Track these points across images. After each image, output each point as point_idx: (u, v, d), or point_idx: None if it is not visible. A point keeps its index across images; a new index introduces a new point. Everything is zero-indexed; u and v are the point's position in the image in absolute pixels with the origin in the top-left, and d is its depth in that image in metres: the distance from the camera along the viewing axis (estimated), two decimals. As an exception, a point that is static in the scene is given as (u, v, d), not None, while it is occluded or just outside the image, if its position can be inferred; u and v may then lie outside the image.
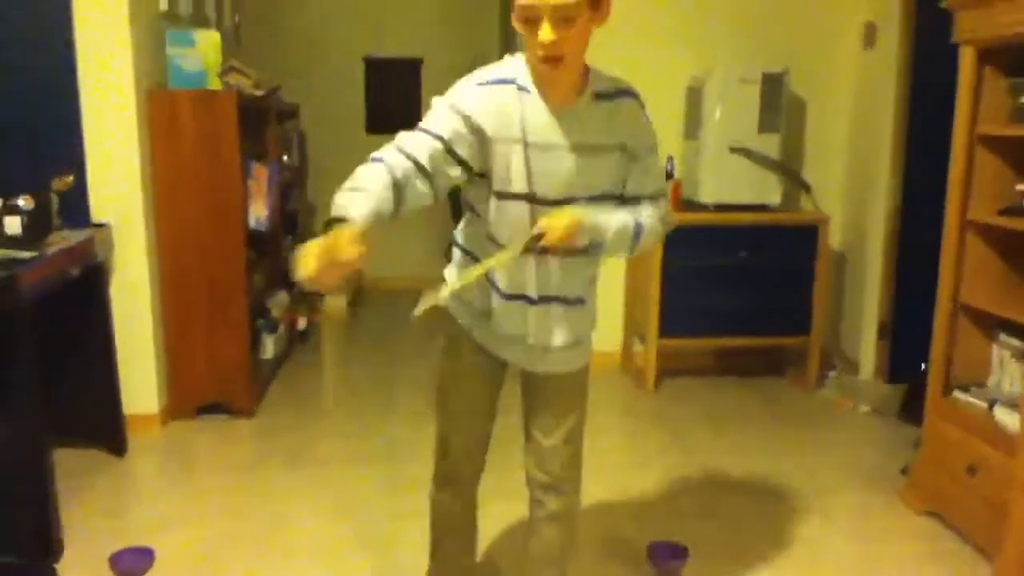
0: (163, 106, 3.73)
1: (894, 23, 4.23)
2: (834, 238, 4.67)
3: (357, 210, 1.60)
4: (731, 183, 4.34)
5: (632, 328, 4.76)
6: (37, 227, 2.96)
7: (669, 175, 4.44)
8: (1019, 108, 2.81)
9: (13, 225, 2.90)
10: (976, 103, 2.92)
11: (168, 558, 2.71)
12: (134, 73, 3.56)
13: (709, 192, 4.35)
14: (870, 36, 4.48)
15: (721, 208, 4.35)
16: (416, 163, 1.74)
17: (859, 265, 4.63)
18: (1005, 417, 2.79)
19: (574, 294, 1.99)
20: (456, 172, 1.80)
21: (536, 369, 2.06)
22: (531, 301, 1.94)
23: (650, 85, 4.86)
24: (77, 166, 3.55)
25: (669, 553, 2.57)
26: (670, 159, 4.47)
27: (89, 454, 3.54)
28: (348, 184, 1.68)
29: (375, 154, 1.75)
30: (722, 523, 3.05)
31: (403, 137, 1.80)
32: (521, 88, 1.79)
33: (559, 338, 2.00)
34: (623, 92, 1.90)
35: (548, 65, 1.72)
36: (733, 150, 4.29)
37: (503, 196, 1.84)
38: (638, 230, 1.94)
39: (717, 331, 4.43)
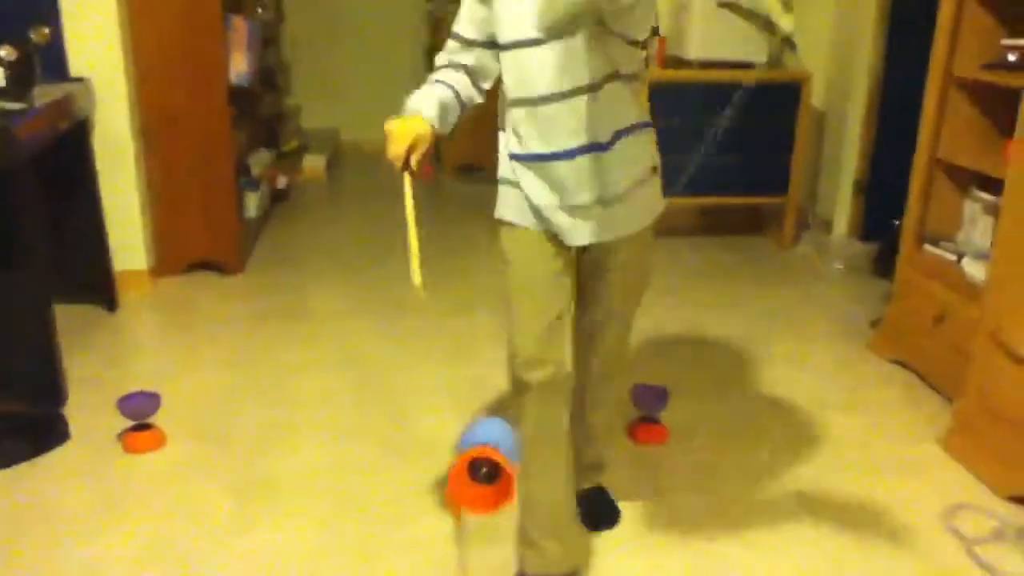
0: (138, -45, 3.61)
1: None
2: (816, 97, 4.69)
3: (416, 105, 1.81)
4: (717, 40, 4.30)
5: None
6: (22, 79, 2.91)
7: (655, 31, 4.38)
8: (1009, -39, 2.81)
9: (-3, 76, 2.84)
10: (966, -45, 2.91)
11: (175, 403, 2.82)
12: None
13: (695, 48, 4.32)
14: None
15: (706, 65, 4.33)
16: (468, 73, 1.90)
17: (839, 124, 4.67)
18: (973, 268, 2.91)
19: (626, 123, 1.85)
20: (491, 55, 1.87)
21: (605, 237, 1.88)
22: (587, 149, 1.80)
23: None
24: (52, 18, 3.46)
25: (652, 394, 2.71)
26: (655, 15, 4.40)
27: (81, 310, 3.60)
28: (411, 99, 1.84)
29: (433, 76, 1.90)
30: (703, 369, 3.21)
31: (445, 53, 1.92)
32: None
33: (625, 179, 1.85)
34: None
35: None
36: (720, 5, 4.24)
37: (502, 47, 1.80)
38: None
39: (701, 190, 4.49)
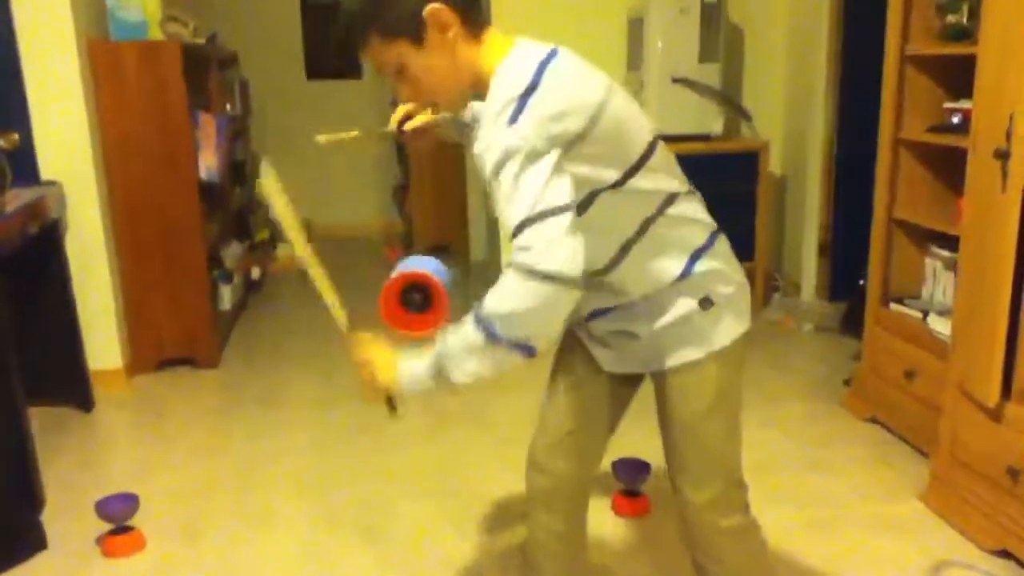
0: (106, 58, 3.69)
1: (826, -51, 4.34)
2: (775, 164, 4.82)
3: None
4: (674, 113, 4.43)
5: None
6: (-9, 186, 2.94)
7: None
8: (946, 27, 2.94)
9: (-33, 185, 2.87)
10: (906, 23, 3.05)
11: (152, 502, 2.78)
12: (74, 24, 3.51)
13: (653, 122, 4.43)
14: (803, -37, 4.58)
15: (665, 139, 4.43)
16: None
17: (799, 188, 4.79)
18: (938, 324, 2.97)
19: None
20: None
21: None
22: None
23: (591, 17, 4.95)
24: (22, 123, 3.51)
25: (632, 467, 2.72)
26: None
27: (57, 412, 3.57)
28: None
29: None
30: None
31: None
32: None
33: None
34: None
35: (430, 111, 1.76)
36: (675, 81, 4.38)
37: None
38: (483, 326, 1.39)
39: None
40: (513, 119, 1.36)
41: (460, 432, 3.32)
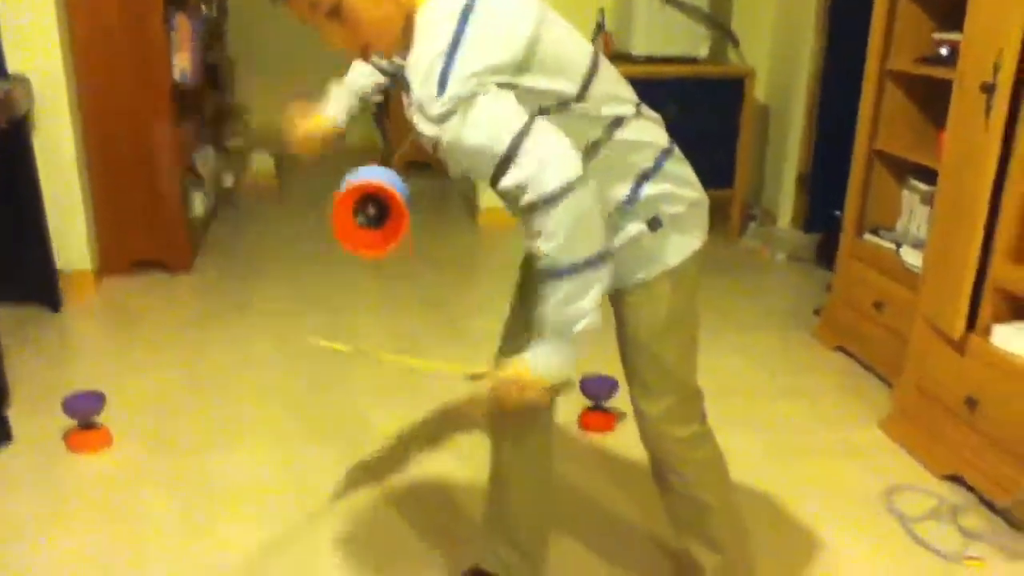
0: (78, -51, 3.55)
1: None
2: (759, 92, 4.77)
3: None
4: (661, 35, 4.36)
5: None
6: (-44, 76, 2.85)
7: (600, 27, 4.44)
8: (940, -43, 2.90)
9: (-70, 74, 2.78)
10: (900, -48, 2.99)
11: (120, 404, 2.79)
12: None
13: (639, 43, 4.37)
14: None
15: (651, 60, 4.39)
16: None
17: (782, 119, 4.76)
18: (910, 257, 3.00)
19: None
20: None
21: None
22: None
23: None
24: (-11, 16, 3.39)
25: (599, 384, 2.75)
26: (600, 11, 4.46)
27: (24, 311, 3.53)
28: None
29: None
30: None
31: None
32: None
33: None
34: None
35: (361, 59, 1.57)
36: (664, 1, 4.30)
37: None
38: (555, 274, 1.40)
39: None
40: (441, 84, 1.32)
41: (437, 351, 3.33)
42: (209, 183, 4.75)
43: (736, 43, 4.70)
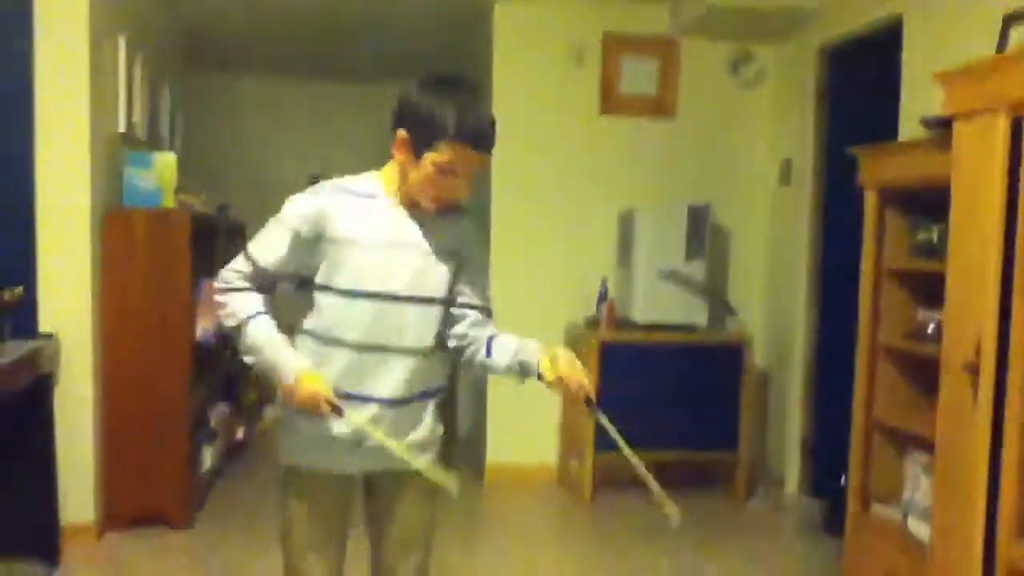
0: (119, 224, 3.84)
1: (808, 163, 4.61)
2: (759, 357, 4.93)
3: (298, 362, 1.95)
4: (661, 304, 4.59)
5: (568, 444, 4.89)
6: (-9, 338, 3.00)
7: (604, 296, 4.68)
8: (916, 244, 3.12)
9: (-35, 336, 2.93)
10: (880, 239, 3.23)
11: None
12: (91, 194, 3.68)
13: (640, 312, 4.59)
14: (786, 173, 4.86)
15: (652, 328, 4.58)
16: (270, 292, 2.03)
17: (781, 383, 4.88)
18: (918, 528, 2.98)
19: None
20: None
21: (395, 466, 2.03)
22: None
23: (587, 214, 5.20)
24: (28, 277, 3.60)
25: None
26: (604, 281, 4.73)
27: (19, 567, 3.46)
28: (256, 341, 1.97)
29: (249, 308, 1.98)
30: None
31: (246, 273, 2.00)
32: (363, 196, 1.98)
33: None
34: (462, 209, 2.08)
35: (436, 205, 1.94)
36: (663, 275, 4.56)
37: (351, 295, 1.94)
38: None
39: (650, 445, 4.56)
40: None
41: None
42: (222, 438, 4.81)
43: (734, 313, 4.92)
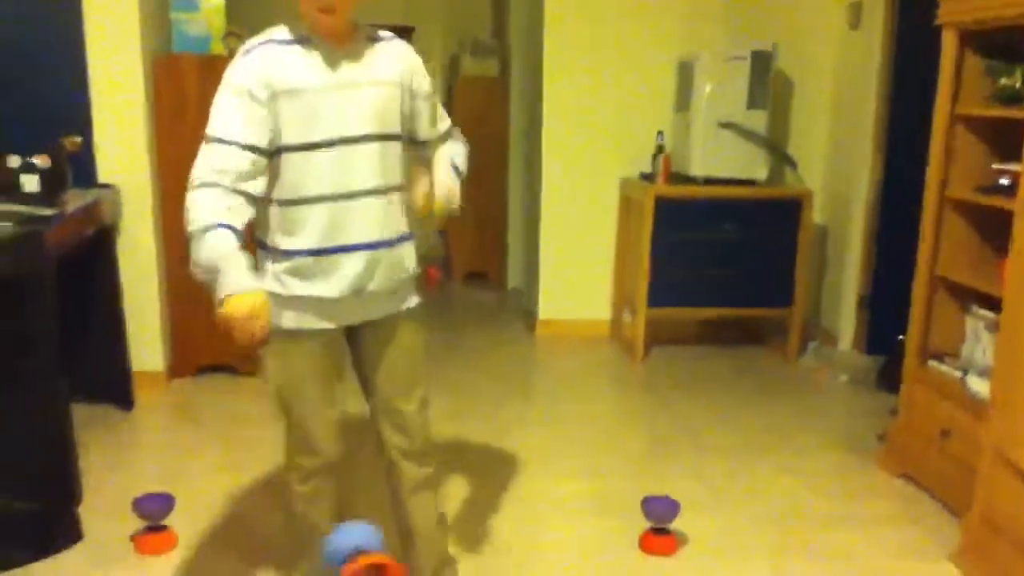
0: (169, 71, 3.81)
1: (879, 4, 4.36)
2: (817, 212, 4.82)
3: (247, 282, 1.82)
4: (719, 157, 4.47)
5: (621, 299, 4.90)
6: (54, 186, 3.04)
7: (660, 149, 4.57)
8: (996, 89, 2.96)
9: (31, 183, 2.98)
10: (957, 84, 3.06)
11: (188, 505, 2.83)
12: (140, 38, 3.64)
13: (698, 166, 4.49)
14: (855, 17, 4.60)
15: (709, 182, 4.49)
16: (243, 193, 1.89)
17: (840, 239, 4.79)
18: (977, 384, 2.96)
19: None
20: (267, 163, 1.91)
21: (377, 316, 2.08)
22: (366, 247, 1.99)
23: (641, 59, 5.03)
24: (84, 127, 3.62)
25: (663, 507, 2.72)
26: (660, 133, 4.60)
27: (97, 410, 3.64)
28: (206, 257, 1.86)
29: (209, 217, 1.86)
30: (707, 482, 3.22)
31: (216, 165, 1.88)
32: (288, 42, 1.92)
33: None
34: (393, 36, 2.06)
35: (325, 14, 1.87)
36: (722, 125, 4.42)
37: (308, 147, 1.89)
38: (461, 166, 2.21)
39: (704, 302, 4.58)
40: None
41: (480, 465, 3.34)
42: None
43: (794, 166, 4.79)
